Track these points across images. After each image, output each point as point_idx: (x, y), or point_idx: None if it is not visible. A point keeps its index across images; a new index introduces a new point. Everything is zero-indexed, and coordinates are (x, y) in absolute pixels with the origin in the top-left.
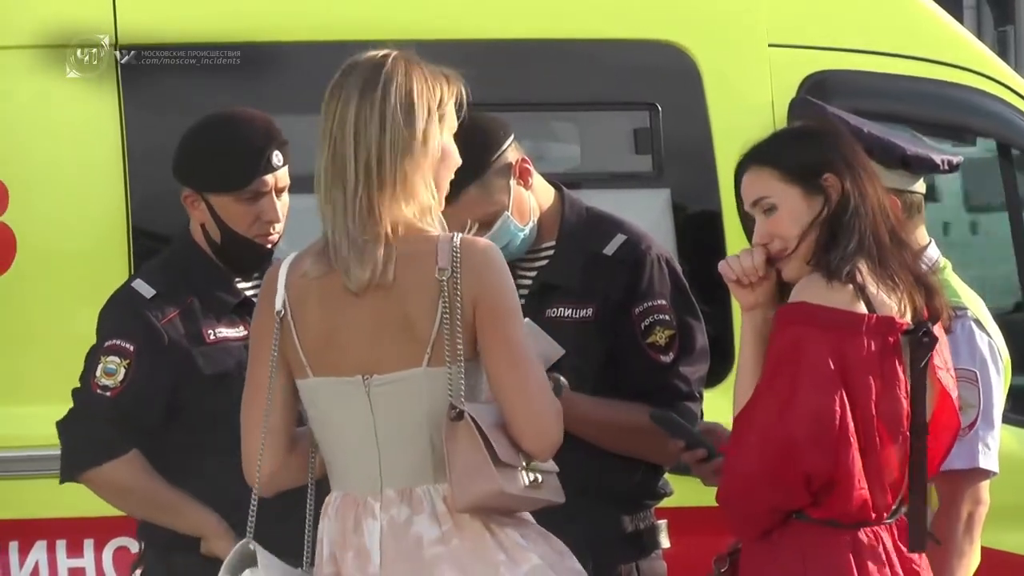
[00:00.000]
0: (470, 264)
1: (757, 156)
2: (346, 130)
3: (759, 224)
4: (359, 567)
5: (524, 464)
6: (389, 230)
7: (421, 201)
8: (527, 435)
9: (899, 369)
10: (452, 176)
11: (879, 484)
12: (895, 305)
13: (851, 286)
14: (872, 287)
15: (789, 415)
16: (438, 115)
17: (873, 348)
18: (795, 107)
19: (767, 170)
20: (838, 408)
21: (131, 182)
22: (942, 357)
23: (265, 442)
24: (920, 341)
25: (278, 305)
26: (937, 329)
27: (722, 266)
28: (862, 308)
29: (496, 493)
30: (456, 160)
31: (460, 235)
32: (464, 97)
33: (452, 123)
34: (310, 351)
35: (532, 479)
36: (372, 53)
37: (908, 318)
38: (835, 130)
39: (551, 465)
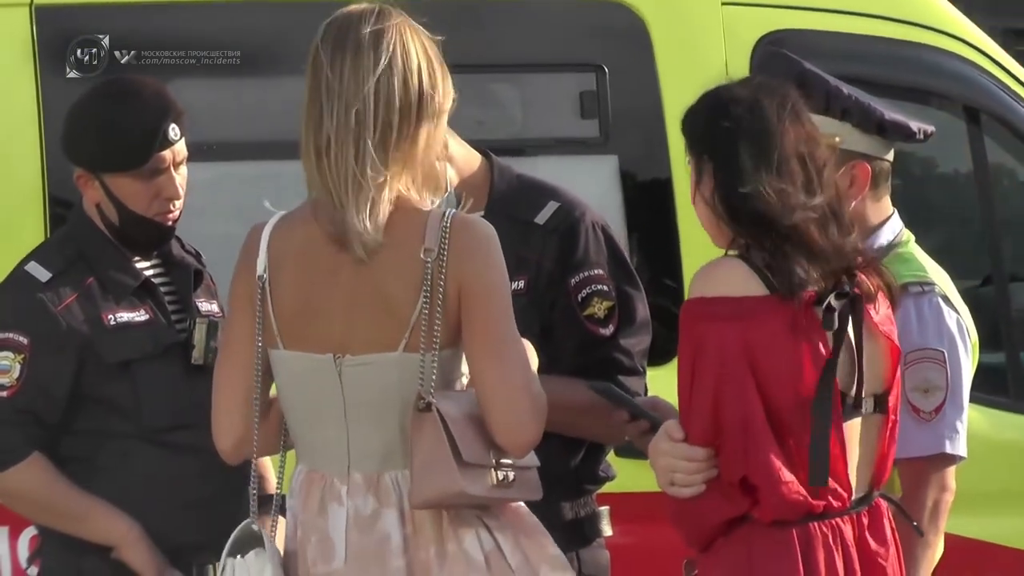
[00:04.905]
0: (459, 245)
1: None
2: (361, 83)
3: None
4: (323, 556)
5: (495, 461)
6: (396, 192)
7: (431, 168)
8: (502, 430)
9: (819, 343)
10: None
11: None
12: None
13: (747, 266)
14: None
15: (691, 420)
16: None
17: (782, 328)
18: (766, 61)
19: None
20: (739, 404)
21: (48, 151)
22: (881, 315)
23: (238, 407)
24: (829, 306)
25: (260, 269)
26: (883, 304)
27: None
28: (762, 289)
29: (455, 493)
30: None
31: (452, 211)
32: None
33: None
34: (283, 322)
35: (502, 477)
36: (363, 6)
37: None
38: (750, 100)
39: (529, 459)
